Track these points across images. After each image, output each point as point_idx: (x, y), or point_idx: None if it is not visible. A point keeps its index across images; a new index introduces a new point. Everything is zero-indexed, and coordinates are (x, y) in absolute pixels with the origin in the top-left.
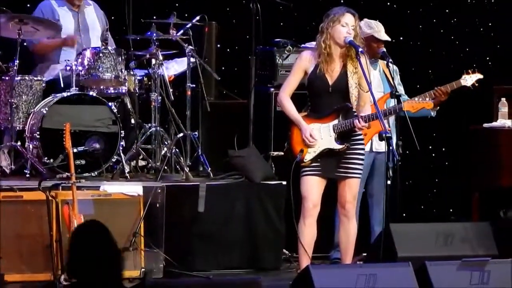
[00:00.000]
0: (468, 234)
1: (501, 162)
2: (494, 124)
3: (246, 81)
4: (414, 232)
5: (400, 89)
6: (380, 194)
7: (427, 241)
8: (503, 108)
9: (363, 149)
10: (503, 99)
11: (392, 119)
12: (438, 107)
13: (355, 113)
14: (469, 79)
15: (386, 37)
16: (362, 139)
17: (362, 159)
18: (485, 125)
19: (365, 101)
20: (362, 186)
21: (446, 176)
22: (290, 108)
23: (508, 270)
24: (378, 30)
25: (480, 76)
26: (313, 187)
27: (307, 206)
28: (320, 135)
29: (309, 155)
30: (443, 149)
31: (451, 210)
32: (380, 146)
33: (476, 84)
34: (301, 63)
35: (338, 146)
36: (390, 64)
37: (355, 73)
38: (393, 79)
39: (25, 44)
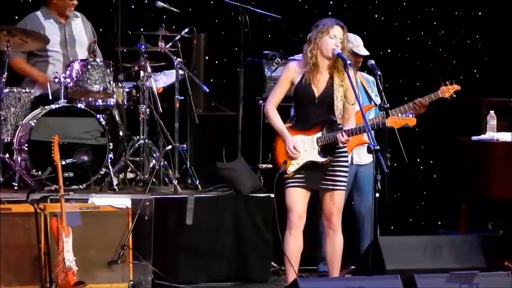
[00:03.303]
0: (457, 247)
1: (489, 174)
2: (482, 137)
3: (235, 93)
4: (403, 245)
5: (377, 100)
6: (367, 207)
7: (416, 253)
8: (492, 121)
9: (347, 161)
10: (492, 112)
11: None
12: (415, 123)
13: (340, 126)
14: (447, 91)
15: (365, 52)
16: (345, 151)
17: (346, 171)
18: (474, 138)
19: (350, 114)
20: (345, 199)
21: (434, 189)
22: (275, 119)
23: (497, 283)
24: (357, 44)
25: (457, 88)
26: (297, 199)
27: (293, 217)
28: (304, 147)
29: (292, 167)
30: (431, 161)
31: (439, 222)
32: (361, 159)
33: (454, 96)
34: (288, 74)
35: (321, 159)
36: (379, 77)
37: (341, 86)
38: (381, 91)
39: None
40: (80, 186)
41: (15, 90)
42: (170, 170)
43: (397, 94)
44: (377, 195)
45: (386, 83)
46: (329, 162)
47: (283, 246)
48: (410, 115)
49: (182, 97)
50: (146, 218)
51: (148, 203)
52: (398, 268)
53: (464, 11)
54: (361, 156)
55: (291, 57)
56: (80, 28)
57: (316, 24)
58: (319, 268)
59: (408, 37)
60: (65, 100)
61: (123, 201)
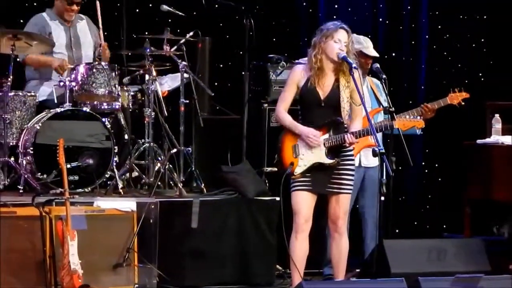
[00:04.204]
0: (461, 250)
1: (494, 178)
2: (487, 140)
3: (240, 96)
4: (407, 248)
5: (386, 104)
6: (373, 210)
7: (420, 257)
8: (497, 124)
9: (353, 164)
10: (497, 115)
11: (379, 135)
12: (424, 125)
13: (346, 127)
14: (455, 98)
15: (374, 53)
16: (352, 155)
17: (352, 175)
18: (479, 141)
19: (357, 114)
20: (352, 201)
21: (439, 192)
22: (289, 120)
23: (501, 286)
24: (367, 46)
25: (466, 95)
26: (304, 202)
27: (299, 221)
28: (311, 149)
29: (299, 168)
30: (436, 165)
31: (444, 226)
32: (369, 162)
33: (463, 103)
34: (294, 77)
35: (328, 161)
36: (384, 81)
37: (347, 87)
38: (386, 95)
39: (18, 59)
40: (86, 189)
41: (20, 93)
42: (175, 174)
43: (402, 98)
44: (382, 198)
45: (391, 87)
46: (336, 164)
47: (289, 249)
48: (418, 118)
49: (187, 101)
50: (151, 221)
51: (153, 207)
52: (403, 272)
53: (469, 15)
54: (369, 159)
55: (296, 61)
56: (85, 30)
57: (320, 28)
58: (324, 272)
59: (413, 41)
60: (70, 104)
61: (128, 204)
